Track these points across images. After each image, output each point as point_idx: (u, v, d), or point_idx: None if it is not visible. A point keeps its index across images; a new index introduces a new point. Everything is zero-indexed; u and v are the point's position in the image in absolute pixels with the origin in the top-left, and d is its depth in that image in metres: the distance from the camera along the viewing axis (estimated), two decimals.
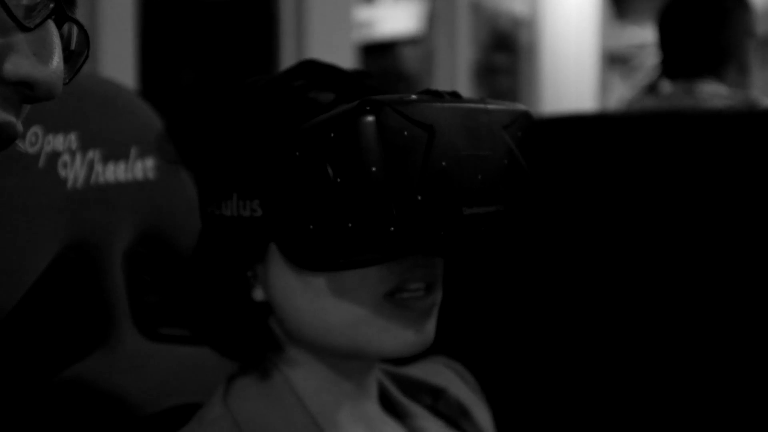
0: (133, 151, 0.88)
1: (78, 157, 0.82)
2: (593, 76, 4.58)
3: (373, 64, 3.56)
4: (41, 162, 0.79)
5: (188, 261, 0.71)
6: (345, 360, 0.68)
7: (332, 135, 0.57)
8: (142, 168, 0.89)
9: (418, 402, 0.79)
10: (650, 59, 4.53)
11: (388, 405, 0.76)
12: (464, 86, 3.79)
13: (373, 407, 0.72)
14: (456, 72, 3.74)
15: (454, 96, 0.63)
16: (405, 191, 0.56)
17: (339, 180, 0.57)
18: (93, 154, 0.84)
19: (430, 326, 0.65)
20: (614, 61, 4.68)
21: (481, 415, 0.83)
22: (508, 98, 4.23)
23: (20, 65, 0.47)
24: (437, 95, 0.61)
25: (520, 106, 0.66)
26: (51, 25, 0.49)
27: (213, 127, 0.68)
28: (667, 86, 1.78)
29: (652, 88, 4.96)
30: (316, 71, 0.69)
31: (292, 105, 0.65)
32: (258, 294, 0.67)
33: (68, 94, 0.82)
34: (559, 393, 1.20)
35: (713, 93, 1.67)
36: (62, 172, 0.81)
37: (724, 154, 1.08)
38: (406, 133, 0.57)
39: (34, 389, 0.76)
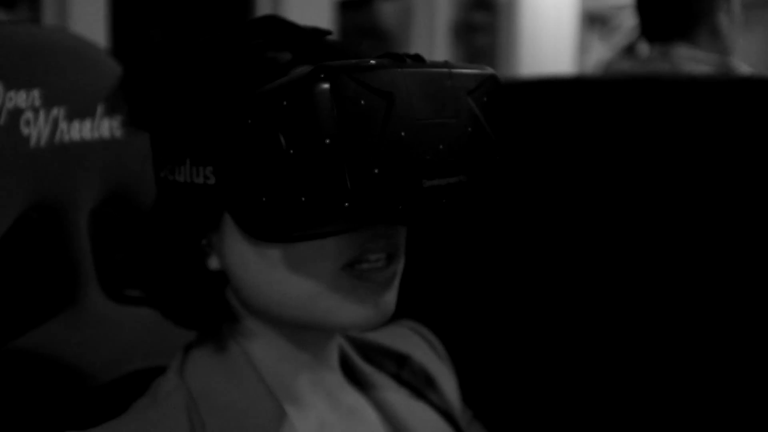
0: (100, 109, 0.86)
1: (41, 114, 0.80)
2: (572, 36, 4.56)
3: (351, 21, 3.51)
4: (2, 119, 0.77)
5: (143, 225, 0.69)
6: (303, 330, 0.66)
7: (285, 103, 0.54)
8: (108, 126, 0.87)
9: (382, 369, 0.78)
10: (629, 20, 4.51)
11: (350, 373, 0.74)
12: (443, 44, 3.76)
13: (333, 377, 0.71)
14: (434, 29, 3.70)
15: (417, 59, 0.59)
16: (361, 163, 0.53)
17: (292, 151, 0.54)
18: (57, 112, 0.82)
19: (390, 298, 0.63)
20: (593, 21, 4.66)
21: (447, 382, 0.83)
22: (486, 57, 4.20)
23: None
24: (398, 59, 0.58)
25: (487, 69, 0.63)
26: None
27: (167, 86, 0.65)
28: (644, 49, 1.77)
29: (630, 50, 4.93)
30: (276, 28, 0.66)
31: (249, 66, 0.62)
32: (213, 263, 0.65)
33: (31, 49, 0.80)
34: (526, 361, 1.20)
35: (688, 57, 1.66)
36: (25, 130, 0.79)
37: (698, 121, 1.08)
38: (362, 101, 0.53)
39: None
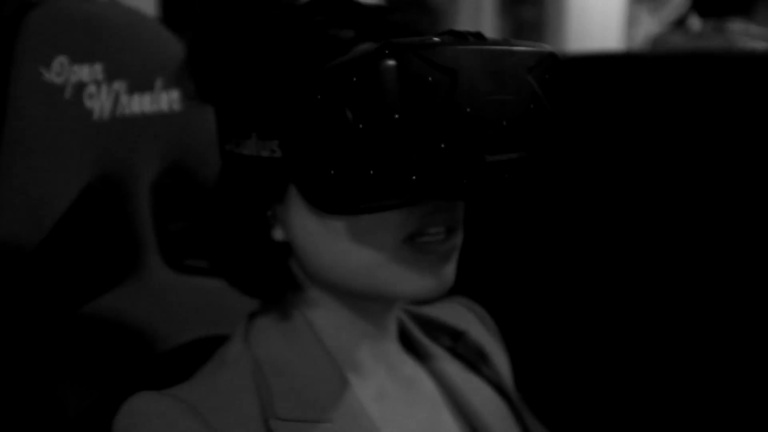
0: (159, 83, 0.88)
1: (104, 88, 0.82)
2: (621, 9, 4.48)
3: None
4: (67, 93, 0.79)
5: (209, 197, 0.71)
6: (364, 300, 0.68)
7: (353, 79, 0.56)
8: (167, 99, 0.89)
9: (438, 343, 0.79)
10: None
11: (408, 344, 0.76)
12: (489, 17, 3.73)
13: (393, 346, 0.72)
14: (481, 2, 3.67)
15: (478, 37, 0.60)
16: (427, 138, 0.55)
17: (360, 126, 0.56)
18: (119, 86, 0.84)
19: (450, 270, 0.64)
20: None
21: (500, 360, 0.84)
22: (533, 31, 4.16)
23: None
24: (460, 36, 0.59)
25: (546, 47, 0.64)
26: None
27: (233, 61, 0.66)
28: (696, 23, 1.74)
29: (680, 24, 4.83)
30: (336, 5, 0.67)
31: (313, 42, 0.63)
32: (278, 234, 0.66)
33: (90, 23, 0.82)
34: (579, 343, 1.20)
35: (743, 31, 1.63)
36: (88, 103, 0.81)
37: (753, 97, 1.06)
38: (428, 77, 0.55)
39: (63, 318, 0.78)
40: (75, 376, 0.77)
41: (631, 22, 4.55)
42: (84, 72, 0.81)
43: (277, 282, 0.68)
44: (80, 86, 0.80)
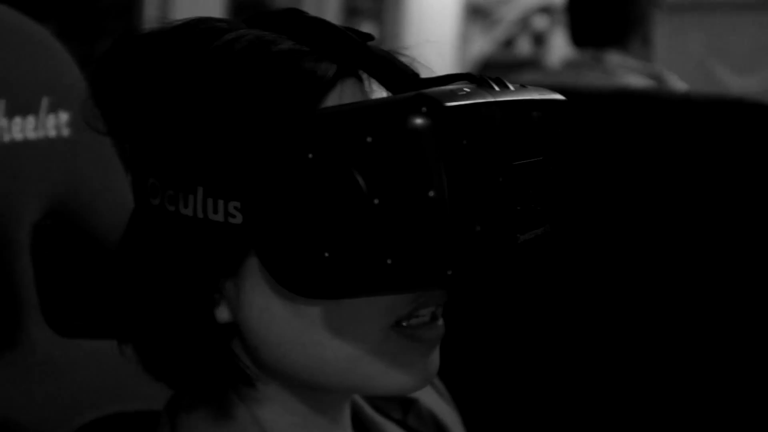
0: (44, 103, 0.71)
1: None
2: (455, 27, 4.55)
3: None
4: None
5: (120, 259, 0.55)
6: (327, 394, 0.56)
7: (370, 138, 0.43)
8: (54, 124, 0.72)
9: (389, 417, 0.69)
10: (510, 13, 4.55)
11: (358, 425, 0.65)
12: None
13: None
14: (323, 11, 3.58)
15: (499, 83, 0.48)
16: (464, 220, 0.43)
17: (377, 201, 0.43)
18: None
19: (437, 358, 0.54)
20: (476, 13, 4.67)
21: (453, 423, 0.74)
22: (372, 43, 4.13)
23: None
24: (484, 84, 0.47)
25: (557, 95, 0.54)
26: None
27: (167, 91, 0.50)
28: (525, 46, 1.74)
29: (509, 44, 4.96)
30: (307, 28, 0.54)
31: (290, 78, 0.49)
32: (222, 314, 0.52)
33: None
34: (530, 394, 1.13)
35: (621, 64, 1.64)
36: None
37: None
38: (465, 141, 0.43)
39: None
40: None
41: (465, 39, 4.63)
42: None
43: (219, 374, 0.53)
44: None
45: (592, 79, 1.59)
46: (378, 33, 4.25)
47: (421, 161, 0.42)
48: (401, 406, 0.71)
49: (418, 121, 0.42)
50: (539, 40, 4.40)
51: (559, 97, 0.54)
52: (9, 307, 0.67)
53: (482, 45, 4.55)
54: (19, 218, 0.68)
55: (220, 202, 0.48)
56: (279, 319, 0.50)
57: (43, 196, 0.71)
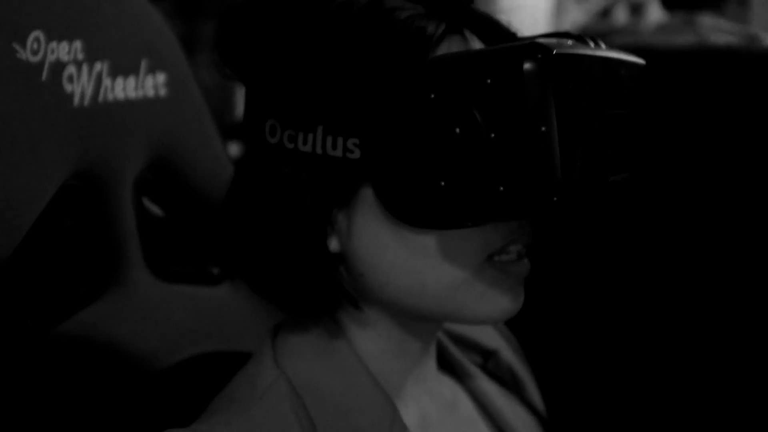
0: (144, 64, 0.77)
1: (84, 69, 0.71)
2: None
3: None
4: (45, 74, 0.67)
5: (231, 196, 0.60)
6: (419, 321, 0.60)
7: (489, 80, 0.48)
8: (153, 84, 0.78)
9: (470, 361, 0.73)
10: None
11: (443, 362, 0.69)
12: None
13: (432, 366, 0.65)
14: None
15: (594, 41, 0.55)
16: (569, 155, 0.48)
17: (493, 135, 0.48)
18: (101, 66, 0.72)
19: (522, 292, 0.58)
20: None
21: (530, 383, 0.78)
22: None
23: None
24: (581, 39, 0.53)
25: (638, 58, 0.58)
26: None
27: (295, 41, 0.56)
28: (665, 17, 1.71)
29: (605, 14, 4.85)
30: None
31: (405, 31, 0.54)
32: (333, 243, 0.57)
33: None
34: (603, 360, 1.14)
35: (714, 26, 1.61)
36: (68, 87, 0.69)
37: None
38: (570, 87, 0.48)
39: (39, 337, 0.66)
40: (53, 403, 0.66)
41: (559, 10, 4.56)
42: (63, 50, 0.69)
43: (328, 297, 0.58)
44: (59, 66, 0.68)
45: (682, 41, 1.56)
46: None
47: (535, 100, 0.48)
48: (482, 355, 0.74)
49: (533, 65, 0.47)
50: (636, 9, 4.31)
51: (639, 60, 0.58)
52: (113, 251, 0.73)
53: (576, 16, 4.48)
54: (122, 173, 0.74)
55: (340, 139, 0.53)
56: (387, 248, 0.55)
57: (143, 152, 0.76)
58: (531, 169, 0.48)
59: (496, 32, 0.58)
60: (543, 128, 0.47)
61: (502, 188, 0.49)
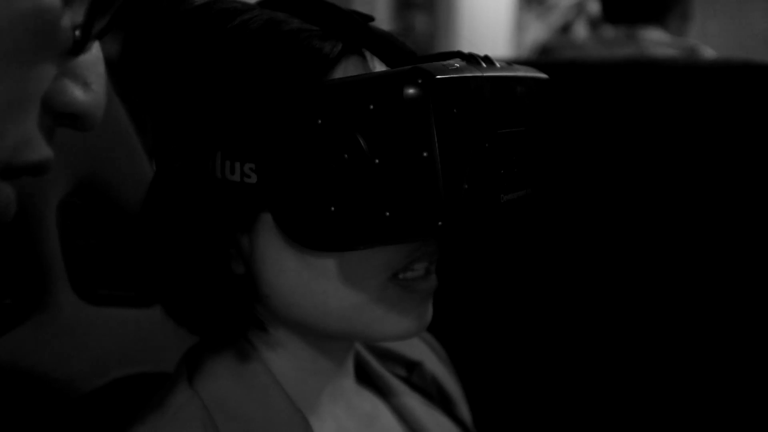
0: None
1: None
2: (510, 15, 4.54)
3: None
4: None
5: (140, 220, 0.61)
6: (330, 340, 0.61)
7: (372, 106, 0.49)
8: None
9: (393, 374, 0.73)
10: (564, 0, 4.51)
11: (365, 377, 0.70)
12: (383, 19, 3.69)
13: (350, 382, 0.66)
14: (375, 4, 3.62)
15: (486, 61, 0.55)
16: (454, 179, 0.49)
17: (377, 160, 0.49)
18: None
19: (429, 309, 0.60)
20: (530, 0, 4.65)
21: (456, 393, 0.79)
22: (425, 36, 4.15)
23: (73, 96, 0.41)
24: (473, 61, 0.53)
25: (541, 73, 0.60)
26: (97, 47, 0.41)
27: (189, 67, 0.56)
28: (609, 31, 1.74)
29: (565, 29, 4.91)
30: (310, 9, 0.58)
31: (300, 53, 0.54)
32: (238, 267, 0.58)
33: None
34: (530, 363, 1.15)
35: (656, 40, 1.64)
36: None
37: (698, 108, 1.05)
38: (455, 110, 0.49)
39: None
40: None
41: (520, 27, 4.61)
42: None
43: (236, 320, 0.59)
44: None
45: (622, 54, 1.59)
46: (432, 23, 4.28)
47: (416, 126, 0.48)
48: (405, 367, 0.75)
49: (414, 90, 0.48)
50: (595, 25, 4.37)
51: (541, 75, 0.59)
52: (38, 275, 0.73)
53: (537, 32, 4.53)
54: (46, 195, 0.74)
55: (237, 164, 0.54)
56: (289, 271, 0.56)
57: (66, 175, 0.76)
58: (415, 194, 0.49)
59: (395, 52, 0.58)
60: (425, 153, 0.48)
61: (388, 213, 0.50)
